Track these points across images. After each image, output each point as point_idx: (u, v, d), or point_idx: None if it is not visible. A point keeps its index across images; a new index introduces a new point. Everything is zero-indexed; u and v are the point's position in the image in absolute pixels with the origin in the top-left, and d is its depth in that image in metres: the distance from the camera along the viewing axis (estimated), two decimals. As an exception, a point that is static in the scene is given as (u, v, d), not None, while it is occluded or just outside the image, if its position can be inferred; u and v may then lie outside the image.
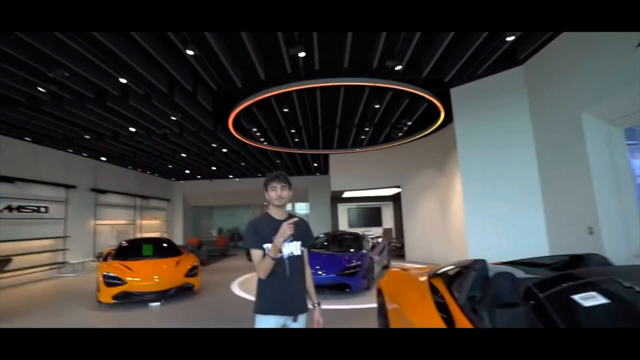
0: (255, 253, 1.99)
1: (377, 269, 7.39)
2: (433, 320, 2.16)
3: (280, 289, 1.99)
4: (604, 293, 1.55)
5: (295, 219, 1.98)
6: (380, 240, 8.82)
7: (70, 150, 10.05)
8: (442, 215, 9.41)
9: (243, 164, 12.86)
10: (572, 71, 4.27)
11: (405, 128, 8.38)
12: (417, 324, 2.24)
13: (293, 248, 2.06)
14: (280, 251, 1.93)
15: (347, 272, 6.06)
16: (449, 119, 7.88)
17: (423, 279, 2.90)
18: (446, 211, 9.16)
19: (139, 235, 13.38)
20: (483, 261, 2.31)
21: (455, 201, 8.65)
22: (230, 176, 16.01)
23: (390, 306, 3.05)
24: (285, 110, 6.95)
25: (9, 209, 8.33)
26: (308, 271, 2.17)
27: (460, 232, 8.28)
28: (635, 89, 3.36)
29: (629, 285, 1.58)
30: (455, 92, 6.10)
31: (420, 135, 9.46)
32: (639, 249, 3.84)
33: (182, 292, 6.17)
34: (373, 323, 4.35)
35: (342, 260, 6.33)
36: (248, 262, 10.25)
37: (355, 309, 5.23)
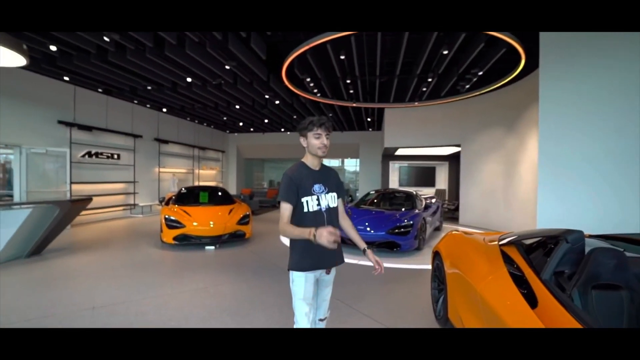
0: (285, 207, 1.81)
1: (429, 230, 7.06)
2: (509, 294, 1.87)
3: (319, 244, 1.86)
4: None
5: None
6: (434, 200, 8.35)
7: (135, 102, 10.65)
8: (506, 179, 8.55)
9: (295, 117, 12.71)
10: None
11: (474, 79, 7.41)
12: (486, 296, 1.96)
13: (329, 200, 1.94)
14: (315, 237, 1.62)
15: (397, 230, 5.84)
16: (529, 68, 6.77)
17: (492, 245, 2.56)
18: (511, 174, 8.28)
19: (196, 184, 14.33)
20: (579, 232, 1.91)
21: (523, 164, 7.74)
22: (282, 129, 16.07)
23: (450, 271, 2.78)
24: (342, 57, 6.44)
25: (89, 154, 9.24)
26: (347, 220, 2.08)
27: (526, 197, 7.49)
28: None
29: None
30: (546, 35, 5.06)
31: (491, 87, 8.35)
32: None
33: (235, 238, 6.49)
34: (423, 285, 4.17)
35: (392, 218, 6.10)
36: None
37: (404, 268, 5.06)
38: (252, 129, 16.16)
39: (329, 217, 1.91)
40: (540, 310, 1.68)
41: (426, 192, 10.64)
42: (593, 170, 4.62)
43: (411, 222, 5.95)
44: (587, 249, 1.88)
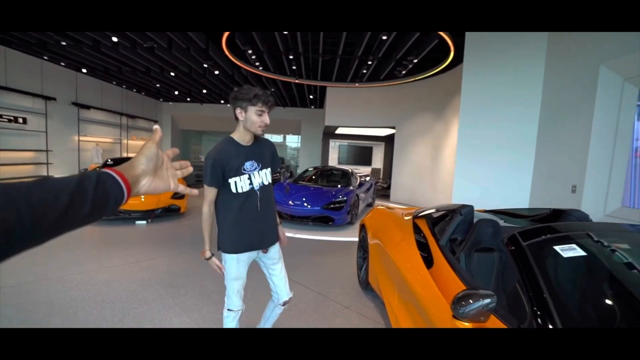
0: (209, 191, 1.71)
1: (361, 206, 7.59)
2: (412, 257, 2.23)
3: (251, 225, 1.79)
4: (582, 246, 1.57)
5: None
6: (368, 178, 8.92)
7: (45, 58, 9.25)
8: (432, 160, 9.45)
9: (235, 89, 12.23)
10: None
11: (410, 66, 7.89)
12: (396, 260, 2.31)
13: (263, 177, 1.82)
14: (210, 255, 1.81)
15: (332, 206, 6.19)
16: (457, 60, 7.42)
17: (407, 218, 2.94)
18: (437, 157, 9.17)
19: (125, 155, 13.19)
20: (471, 207, 2.32)
21: (448, 148, 8.61)
22: (222, 101, 15.37)
23: (372, 241, 3.14)
24: (285, 32, 6.36)
25: (-16, 115, 7.92)
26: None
27: (448, 178, 8.41)
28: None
29: (601, 241, 1.61)
30: (471, 34, 5.62)
31: (425, 75, 8.98)
32: (613, 209, 3.96)
33: (169, 212, 6.28)
34: (352, 255, 4.58)
35: (328, 195, 6.43)
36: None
37: (337, 241, 5.46)
38: (188, 99, 15.18)
39: (263, 195, 1.81)
40: (434, 270, 2.05)
41: (363, 170, 11.26)
42: (499, 154, 5.41)
43: (345, 198, 6.35)
44: (475, 220, 2.30)
